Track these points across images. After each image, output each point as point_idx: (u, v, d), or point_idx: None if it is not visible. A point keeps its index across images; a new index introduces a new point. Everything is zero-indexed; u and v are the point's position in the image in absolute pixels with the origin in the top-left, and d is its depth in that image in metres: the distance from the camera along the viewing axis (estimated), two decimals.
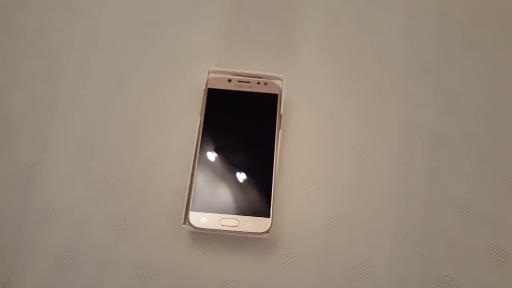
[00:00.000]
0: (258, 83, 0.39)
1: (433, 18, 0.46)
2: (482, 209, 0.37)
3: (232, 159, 0.36)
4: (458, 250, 0.36)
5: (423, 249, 0.36)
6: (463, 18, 0.46)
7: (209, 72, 0.39)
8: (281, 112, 0.38)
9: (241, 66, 0.42)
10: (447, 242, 0.36)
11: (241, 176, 0.35)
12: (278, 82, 0.39)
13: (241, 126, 0.37)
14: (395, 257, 0.36)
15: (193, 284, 0.35)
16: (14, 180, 0.38)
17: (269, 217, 0.34)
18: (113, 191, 0.38)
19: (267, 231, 0.33)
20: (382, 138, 0.40)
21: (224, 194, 0.35)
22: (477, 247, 0.36)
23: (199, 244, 0.36)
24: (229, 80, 0.39)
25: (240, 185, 0.35)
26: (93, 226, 0.36)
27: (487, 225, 0.37)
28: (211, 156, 0.36)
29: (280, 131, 0.37)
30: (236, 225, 0.34)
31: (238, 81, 0.39)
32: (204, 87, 0.39)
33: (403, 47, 0.44)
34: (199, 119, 0.38)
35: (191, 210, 0.34)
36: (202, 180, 0.35)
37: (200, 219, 0.34)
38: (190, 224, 0.34)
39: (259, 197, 0.35)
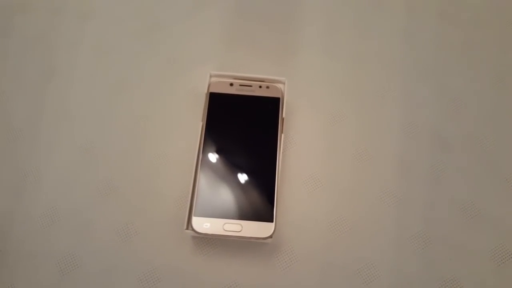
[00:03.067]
0: (260, 86, 0.39)
1: (434, 19, 0.45)
2: (485, 211, 0.37)
3: (234, 163, 0.36)
4: (462, 253, 0.36)
5: (426, 252, 0.36)
6: (464, 19, 0.45)
7: (210, 76, 0.39)
8: (283, 115, 0.38)
9: (242, 69, 0.42)
10: (451, 245, 0.36)
11: (244, 181, 0.35)
12: (280, 85, 0.39)
13: (243, 130, 0.37)
14: (399, 260, 0.35)
15: None
16: (16, 186, 0.38)
17: (272, 221, 0.34)
18: (116, 196, 0.38)
19: (271, 236, 0.33)
20: (384, 140, 0.40)
21: (227, 199, 0.35)
22: (481, 249, 0.36)
23: (202, 249, 0.36)
24: (231, 84, 0.39)
25: (243, 190, 0.35)
26: (96, 231, 0.36)
27: (491, 227, 0.37)
28: (214, 160, 0.36)
29: (282, 135, 0.37)
30: (239, 230, 0.33)
31: (240, 85, 0.39)
32: (206, 91, 0.39)
33: (404, 49, 0.44)
34: (201, 123, 0.37)
35: (194, 215, 0.34)
36: (205, 185, 0.35)
37: (203, 224, 0.34)
38: (193, 229, 0.34)
39: (262, 201, 0.34)
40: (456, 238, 0.36)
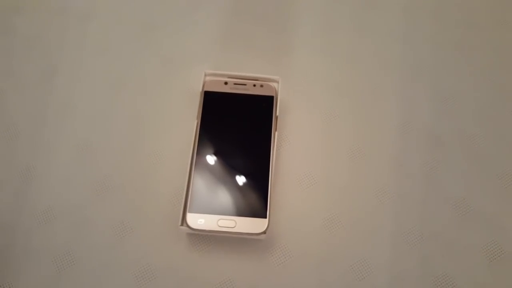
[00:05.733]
0: (254, 85, 0.39)
1: (429, 19, 0.46)
2: (478, 208, 0.37)
3: (229, 160, 0.36)
4: (454, 249, 0.36)
5: (420, 249, 0.36)
6: (458, 19, 0.46)
7: (205, 75, 0.40)
8: (277, 113, 0.38)
9: (237, 68, 0.42)
10: (443, 241, 0.36)
11: (238, 178, 0.36)
12: (274, 84, 0.39)
13: (238, 128, 0.38)
14: (392, 257, 0.36)
15: (190, 286, 0.35)
16: (12, 183, 0.38)
17: (266, 218, 0.34)
18: (111, 194, 0.38)
19: (264, 232, 0.34)
20: (378, 138, 0.40)
21: (221, 195, 0.35)
22: (473, 246, 0.36)
23: (197, 246, 0.36)
24: (226, 83, 0.39)
25: (237, 187, 0.35)
26: (92, 228, 0.37)
27: (484, 224, 0.37)
28: (208, 158, 0.36)
29: (276, 133, 0.37)
30: (233, 226, 0.34)
31: (234, 84, 0.39)
32: (200, 89, 0.39)
33: (399, 48, 0.44)
34: (195, 121, 0.38)
35: (189, 212, 0.34)
36: (199, 182, 0.35)
37: (197, 220, 0.34)
38: (188, 226, 0.34)
39: (256, 198, 0.35)
40: (449, 235, 0.36)
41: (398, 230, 0.37)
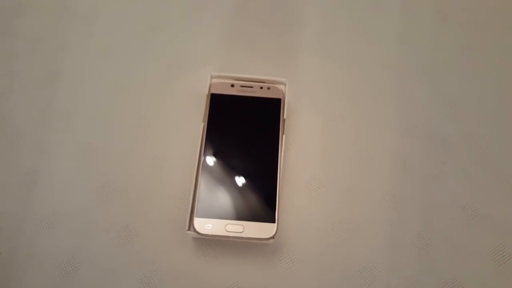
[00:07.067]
0: (261, 87, 0.39)
1: (432, 21, 0.46)
2: (485, 211, 0.37)
3: (236, 164, 0.36)
4: (462, 253, 0.36)
5: (427, 253, 0.36)
6: (462, 21, 0.46)
7: (211, 77, 0.39)
8: (285, 116, 0.38)
9: (243, 71, 0.42)
10: (451, 245, 0.36)
11: (246, 181, 0.35)
12: (281, 86, 0.39)
13: (245, 131, 0.37)
14: (400, 261, 0.35)
15: None
16: (15, 187, 0.38)
17: (274, 222, 0.34)
18: (116, 198, 0.37)
19: (273, 237, 0.33)
20: (385, 141, 0.40)
21: (229, 199, 0.35)
22: (481, 249, 0.36)
23: (204, 250, 0.36)
24: (232, 85, 0.39)
25: (245, 191, 0.35)
26: (96, 233, 0.36)
27: (491, 227, 0.37)
28: (215, 161, 0.36)
29: (283, 136, 0.37)
30: (241, 231, 0.33)
31: (241, 86, 0.39)
32: (207, 92, 0.39)
33: (404, 50, 0.44)
34: (202, 124, 0.37)
35: (196, 216, 0.34)
36: (206, 186, 0.35)
37: (205, 225, 0.33)
38: (195, 230, 0.33)
39: (264, 202, 0.34)
40: (456, 239, 0.36)
41: (406, 234, 0.36)
